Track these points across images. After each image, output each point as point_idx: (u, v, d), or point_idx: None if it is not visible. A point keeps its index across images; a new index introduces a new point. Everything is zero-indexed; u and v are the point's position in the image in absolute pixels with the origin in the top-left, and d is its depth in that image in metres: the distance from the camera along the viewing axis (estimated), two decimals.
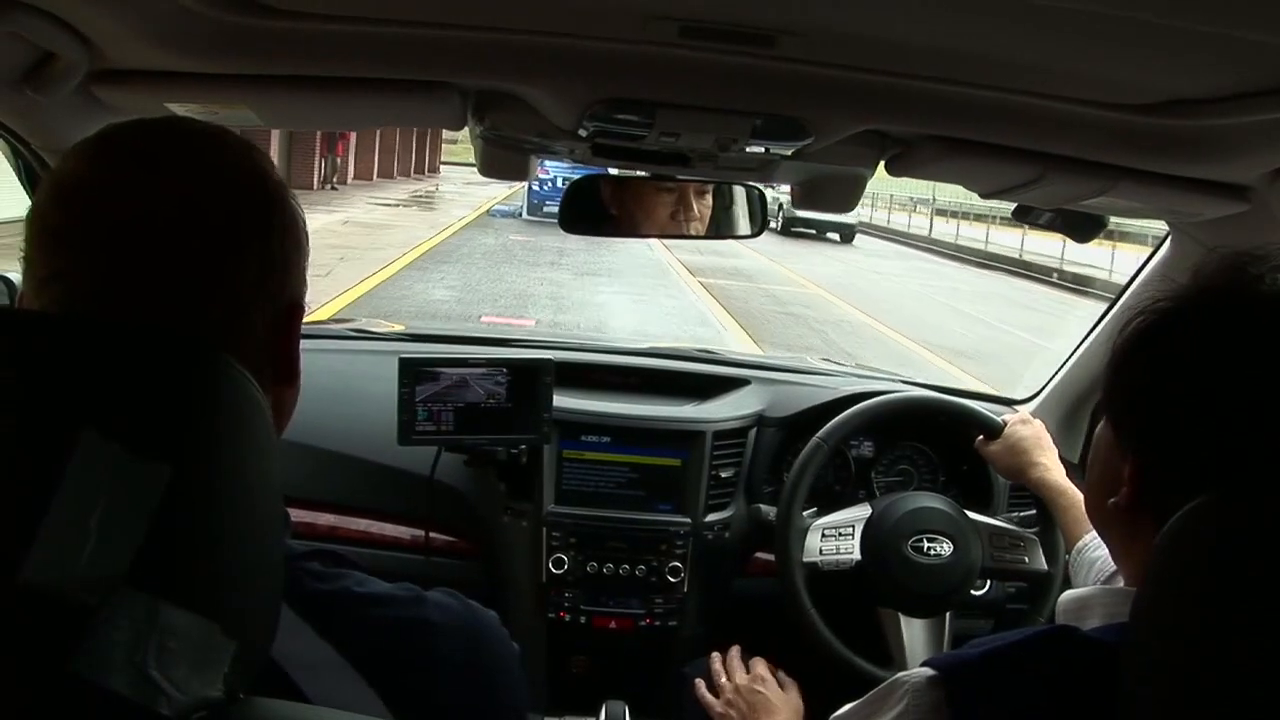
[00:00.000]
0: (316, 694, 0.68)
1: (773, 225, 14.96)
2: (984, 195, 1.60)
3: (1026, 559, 1.86)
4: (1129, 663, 0.80)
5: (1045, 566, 1.84)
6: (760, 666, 1.74)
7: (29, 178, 1.39)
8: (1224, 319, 0.85)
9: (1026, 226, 2.13)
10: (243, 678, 0.59)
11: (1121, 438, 0.91)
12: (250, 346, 0.72)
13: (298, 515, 1.99)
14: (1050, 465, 1.73)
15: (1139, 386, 0.89)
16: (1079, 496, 1.58)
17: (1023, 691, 0.86)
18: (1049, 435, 1.81)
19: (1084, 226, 1.72)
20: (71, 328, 0.62)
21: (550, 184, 19.61)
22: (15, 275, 1.57)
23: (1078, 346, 2.21)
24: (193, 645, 0.56)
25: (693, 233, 1.74)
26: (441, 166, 41.39)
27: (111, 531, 0.54)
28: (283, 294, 0.76)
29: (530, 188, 19.62)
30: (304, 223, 0.79)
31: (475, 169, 1.62)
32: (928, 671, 0.91)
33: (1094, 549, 1.45)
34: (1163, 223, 1.78)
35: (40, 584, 0.52)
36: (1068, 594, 1.00)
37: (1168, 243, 1.83)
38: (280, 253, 0.75)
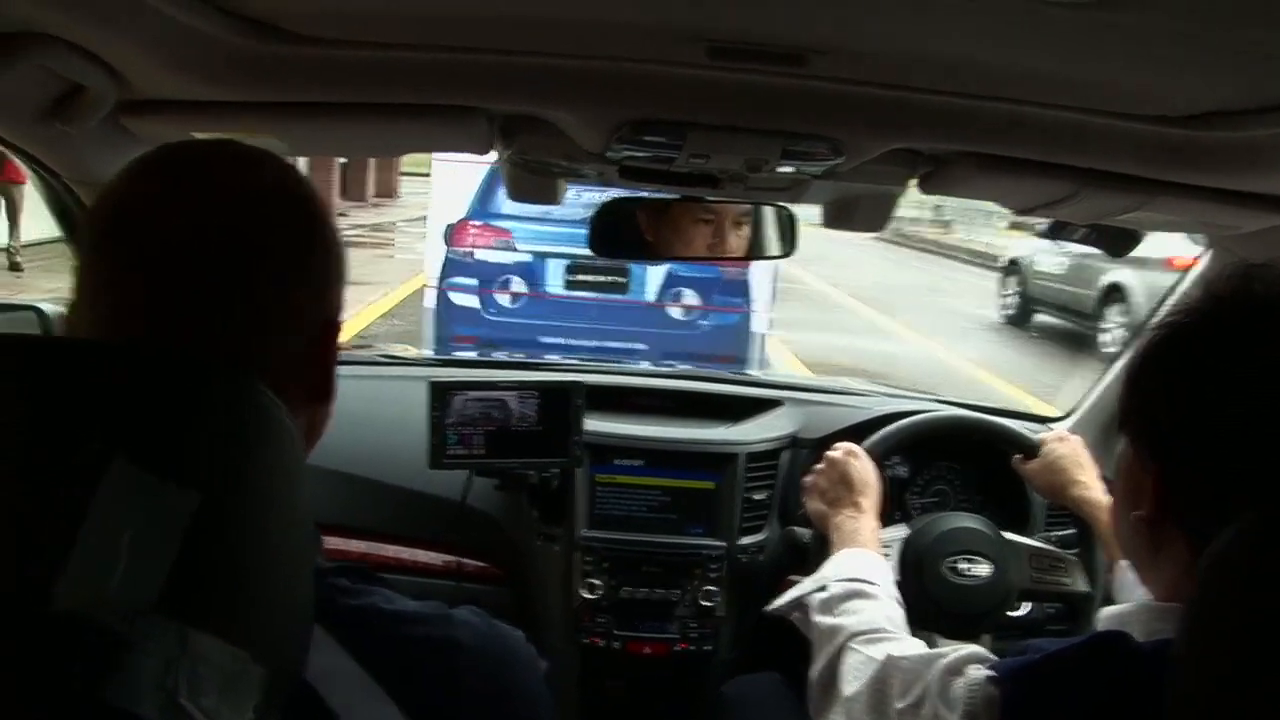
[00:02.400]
0: (342, 708, 0.68)
1: None
2: (1018, 212, 1.58)
3: (1067, 580, 1.82)
4: (1176, 679, 0.79)
5: (1086, 588, 1.80)
6: (852, 445, 1.74)
7: (60, 210, 1.40)
8: (1232, 330, 0.86)
9: None
10: (274, 705, 0.58)
11: (1140, 452, 0.91)
12: (286, 362, 0.73)
13: (329, 542, 1.97)
14: (1090, 483, 1.71)
15: (1154, 401, 0.90)
16: None
17: (1073, 698, 0.86)
18: (1087, 453, 1.77)
19: (1119, 241, 1.69)
20: (100, 354, 0.62)
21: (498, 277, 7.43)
22: (47, 305, 1.58)
23: (1114, 362, 2.18)
24: (223, 673, 0.55)
25: (729, 255, 1.76)
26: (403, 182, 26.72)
27: (141, 558, 0.54)
28: (320, 312, 0.77)
29: (439, 302, 7.11)
30: (343, 245, 0.80)
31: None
32: (986, 670, 0.94)
33: None
34: None
35: (71, 611, 0.52)
36: (1107, 611, 0.99)
37: (1206, 257, 1.81)
38: (320, 271, 0.76)
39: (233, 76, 1.09)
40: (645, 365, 2.93)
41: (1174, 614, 0.82)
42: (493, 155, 1.42)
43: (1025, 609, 1.96)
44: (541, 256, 6.79)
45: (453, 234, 6.95)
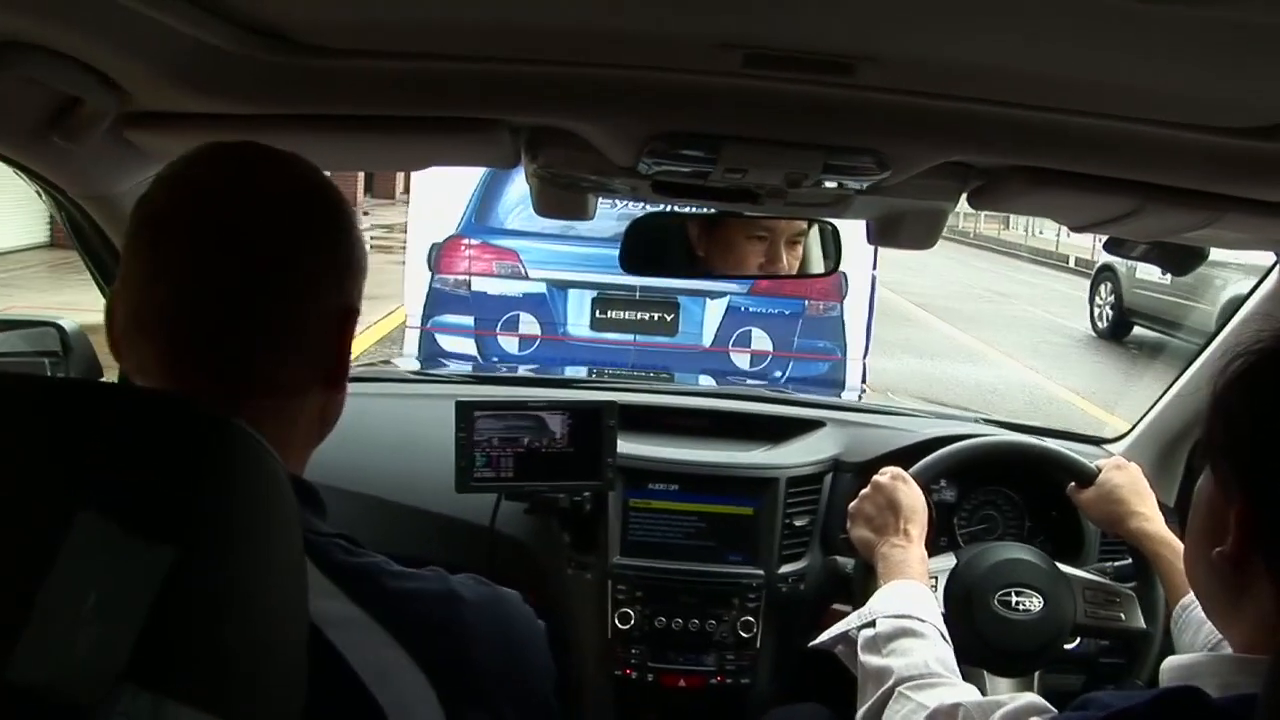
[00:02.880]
0: (350, 651, 0.69)
1: None
2: (1076, 229, 1.51)
3: (1123, 615, 1.74)
4: None
5: (1143, 625, 1.73)
6: (899, 470, 1.69)
7: (72, 226, 1.37)
8: None
9: None
10: None
11: (1225, 483, 0.87)
12: (302, 349, 0.78)
13: None
14: (1150, 515, 1.64)
15: (1243, 429, 0.86)
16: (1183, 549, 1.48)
17: None
18: (1146, 482, 1.70)
19: (1182, 259, 1.62)
20: (72, 392, 0.57)
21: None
22: (68, 322, 1.56)
23: (1172, 384, 2.11)
24: None
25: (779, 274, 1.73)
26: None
27: (108, 622, 0.50)
28: (340, 299, 0.81)
29: (422, 347, 5.59)
30: (363, 240, 0.86)
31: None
32: None
33: None
34: None
35: (31, 682, 0.48)
36: (1172, 661, 0.94)
37: (1274, 275, 1.72)
38: (344, 261, 0.81)
39: (240, 88, 1.04)
40: (680, 383, 2.86)
41: (1256, 667, 0.78)
42: None
43: (1078, 642, 1.88)
44: (560, 286, 5.33)
45: (440, 256, 5.42)
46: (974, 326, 12.13)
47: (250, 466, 0.56)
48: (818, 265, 1.76)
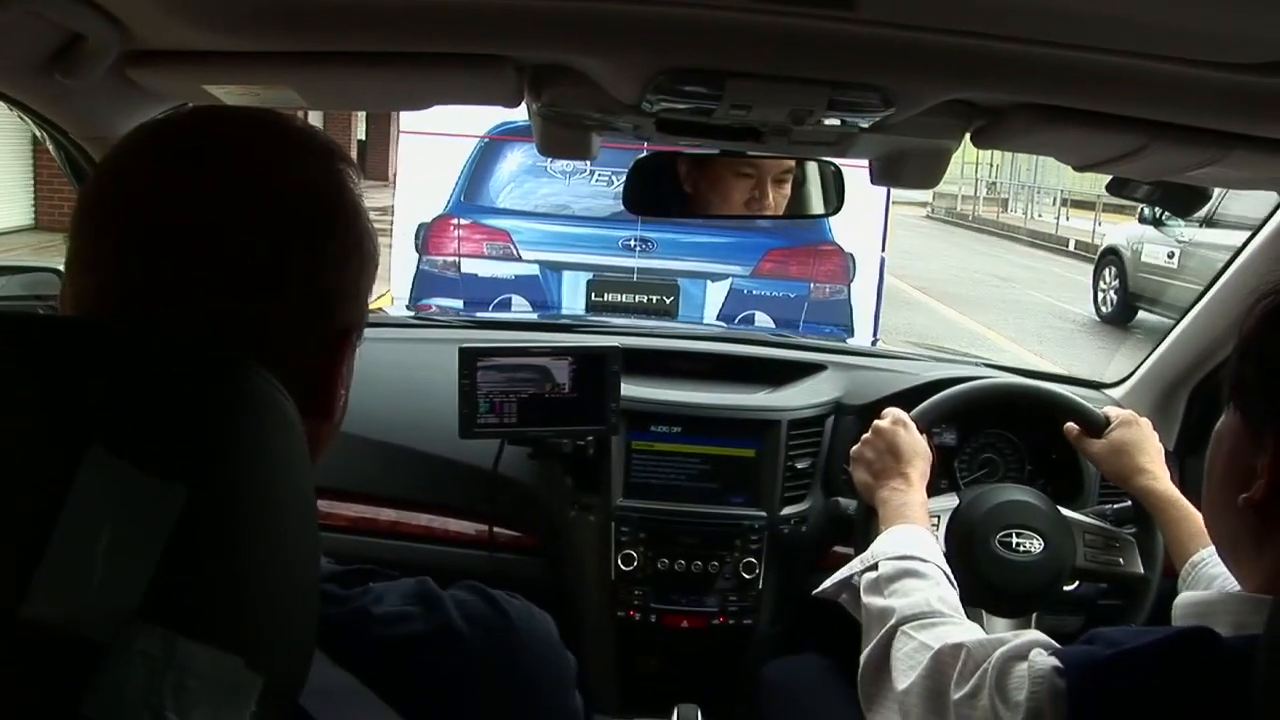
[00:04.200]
0: None
1: None
2: (1079, 168, 1.50)
3: (1122, 560, 1.75)
4: (1266, 681, 0.74)
5: (1141, 570, 1.74)
6: (900, 414, 1.69)
7: (73, 169, 1.36)
8: None
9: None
10: (273, 716, 0.53)
11: (1258, 426, 0.86)
12: (281, 381, 0.62)
13: (359, 510, 1.96)
14: (1158, 474, 1.63)
15: (1277, 369, 0.85)
16: (1191, 510, 1.49)
17: (1152, 699, 0.82)
18: (1156, 437, 1.69)
19: (1186, 199, 1.61)
20: (78, 331, 0.56)
21: None
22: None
23: (1172, 328, 2.10)
24: (214, 683, 0.51)
25: (767, 214, 1.70)
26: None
27: (122, 559, 0.49)
28: (331, 321, 0.70)
29: None
30: (375, 244, 0.74)
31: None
32: (1054, 661, 0.89)
33: (1214, 564, 1.36)
34: None
35: (45, 619, 0.48)
36: (1187, 598, 0.95)
37: (1278, 216, 1.71)
38: (334, 279, 0.69)
39: (243, 25, 1.03)
40: (684, 328, 2.86)
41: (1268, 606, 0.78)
42: (484, 126, 1.36)
43: (1076, 584, 1.90)
44: (553, 267, 5.18)
45: (428, 237, 5.25)
46: (976, 311, 11.82)
47: (260, 404, 0.56)
48: (818, 206, 1.74)
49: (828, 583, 1.46)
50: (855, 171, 1.60)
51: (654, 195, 1.66)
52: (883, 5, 0.98)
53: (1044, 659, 0.91)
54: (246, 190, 0.66)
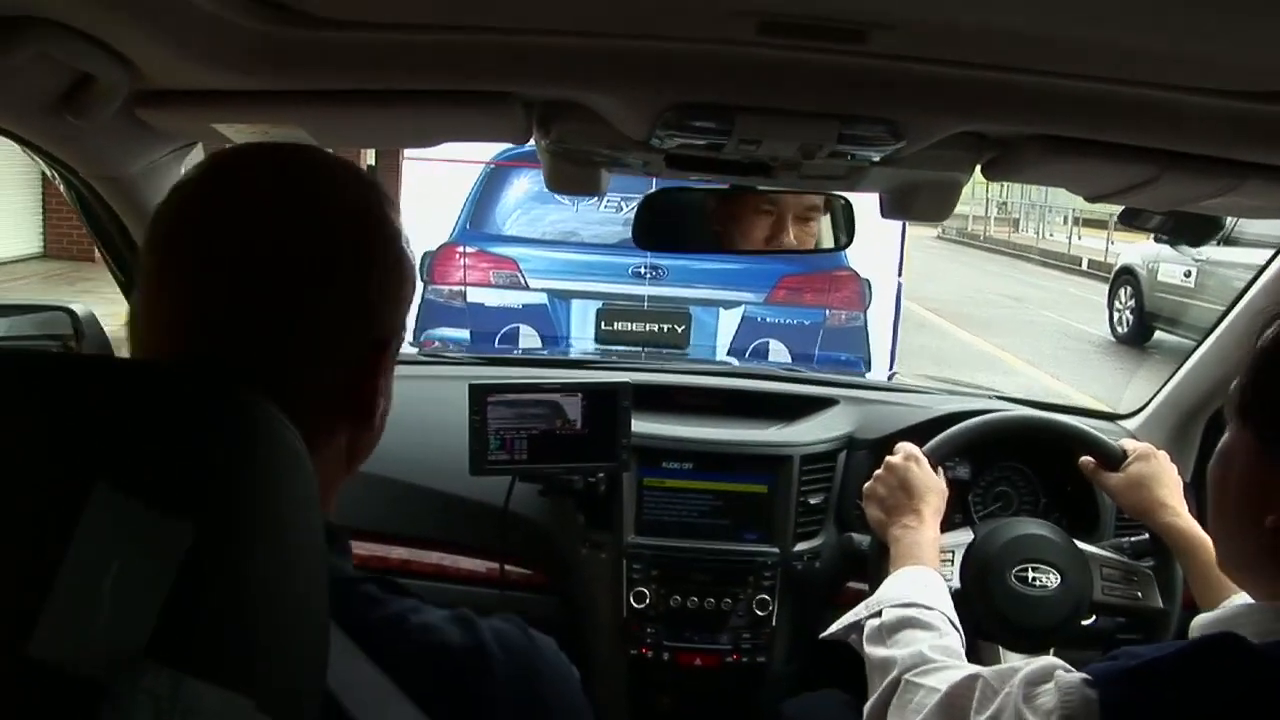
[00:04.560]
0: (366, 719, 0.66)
1: None
2: (1091, 199, 1.49)
3: (1141, 594, 1.73)
4: None
5: (1160, 604, 1.71)
6: (913, 449, 1.68)
7: (83, 206, 1.36)
8: None
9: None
10: None
11: (1271, 445, 0.86)
12: (325, 384, 0.73)
13: (369, 549, 1.95)
14: (1179, 509, 1.61)
15: None
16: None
17: (1184, 701, 0.82)
18: (1174, 470, 1.67)
19: (1198, 229, 1.61)
20: (87, 368, 0.56)
21: None
22: (79, 306, 1.56)
23: (1187, 358, 2.08)
24: None
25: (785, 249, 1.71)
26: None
27: (128, 598, 0.49)
28: (370, 333, 0.76)
29: None
30: (412, 267, 0.81)
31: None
32: (1081, 675, 0.89)
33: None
34: None
35: (51, 658, 0.48)
36: (1205, 617, 0.95)
37: None
38: (376, 292, 0.76)
39: (251, 64, 1.03)
40: (694, 364, 2.85)
41: None
42: (490, 152, 1.37)
43: (1093, 619, 1.87)
44: (562, 296, 5.05)
45: (433, 265, 5.13)
46: (991, 333, 11.76)
47: (269, 441, 0.55)
48: (828, 241, 1.74)
49: (835, 626, 1.45)
50: (870, 196, 1.59)
51: (666, 230, 1.66)
52: (893, 39, 0.98)
53: (1070, 674, 0.91)
54: (304, 214, 0.73)
